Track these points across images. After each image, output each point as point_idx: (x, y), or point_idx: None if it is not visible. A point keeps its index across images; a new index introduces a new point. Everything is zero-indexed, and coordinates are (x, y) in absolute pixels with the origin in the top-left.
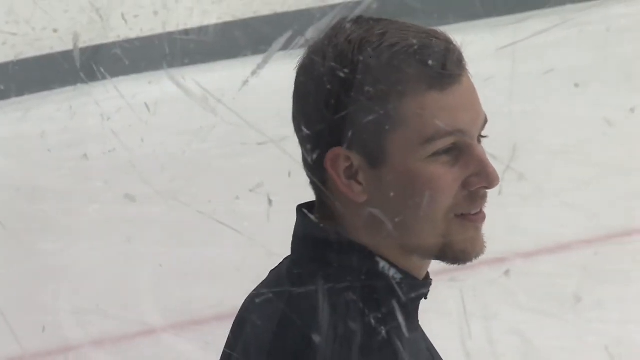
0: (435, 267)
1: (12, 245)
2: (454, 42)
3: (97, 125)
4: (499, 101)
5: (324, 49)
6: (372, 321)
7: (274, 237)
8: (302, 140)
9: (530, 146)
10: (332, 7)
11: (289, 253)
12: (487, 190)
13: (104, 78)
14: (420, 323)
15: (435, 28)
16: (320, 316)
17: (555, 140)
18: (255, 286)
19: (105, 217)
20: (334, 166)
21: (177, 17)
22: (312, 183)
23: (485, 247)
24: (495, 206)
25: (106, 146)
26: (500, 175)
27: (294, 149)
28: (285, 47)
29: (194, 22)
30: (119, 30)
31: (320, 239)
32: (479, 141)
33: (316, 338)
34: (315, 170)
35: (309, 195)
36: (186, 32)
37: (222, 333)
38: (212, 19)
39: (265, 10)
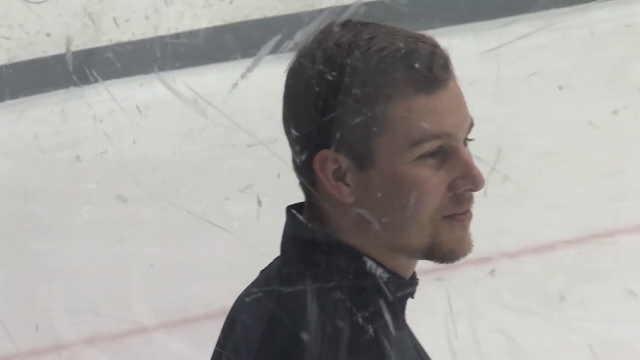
0: (421, 266)
1: (5, 245)
2: (441, 47)
3: (89, 127)
4: (484, 104)
5: (313, 52)
6: (360, 320)
7: (264, 237)
8: (292, 142)
9: (515, 148)
10: (320, 11)
11: (278, 253)
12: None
13: (96, 81)
14: (407, 322)
15: (422, 32)
16: (308, 315)
17: (540, 142)
18: (246, 286)
19: (98, 218)
20: (323, 168)
21: (168, 21)
22: (301, 184)
23: (472, 245)
24: (481, 207)
25: (98, 148)
26: (485, 177)
27: (283, 151)
28: (274, 51)
29: (185, 26)
30: (111, 34)
31: (309, 239)
32: (465, 144)
33: (305, 336)
34: (304, 171)
35: (298, 196)
36: (177, 35)
37: (212, 332)
38: (202, 23)
39: (254, 15)
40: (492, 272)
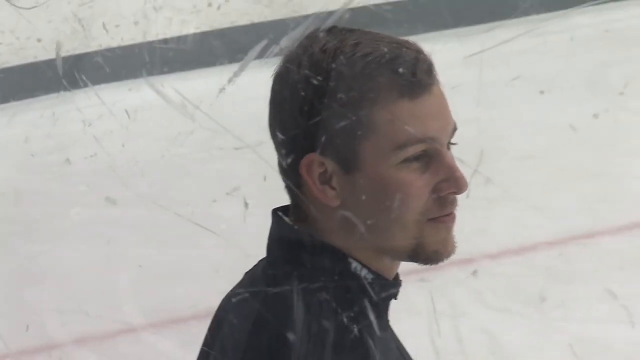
0: (405, 267)
1: None
2: (425, 52)
3: (79, 131)
4: (467, 108)
5: (299, 57)
6: (345, 320)
7: (250, 239)
8: (278, 146)
9: (497, 151)
10: (306, 17)
11: (264, 254)
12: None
13: (85, 86)
14: (390, 323)
15: (406, 38)
16: (294, 315)
17: (521, 145)
18: (232, 286)
19: (87, 220)
20: (309, 171)
21: (157, 26)
22: (287, 187)
23: (455, 247)
24: (463, 209)
25: (88, 151)
26: (468, 180)
27: (270, 154)
28: (260, 56)
29: (173, 31)
30: (101, 40)
31: (295, 241)
32: (449, 148)
33: (291, 336)
34: (290, 174)
35: (284, 199)
36: (165, 41)
37: (200, 332)
38: (190, 29)
39: (241, 21)
40: (474, 272)
